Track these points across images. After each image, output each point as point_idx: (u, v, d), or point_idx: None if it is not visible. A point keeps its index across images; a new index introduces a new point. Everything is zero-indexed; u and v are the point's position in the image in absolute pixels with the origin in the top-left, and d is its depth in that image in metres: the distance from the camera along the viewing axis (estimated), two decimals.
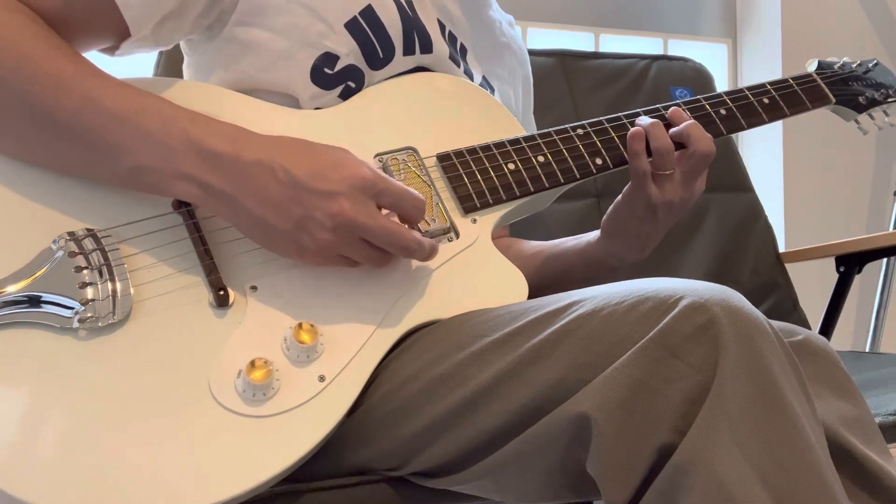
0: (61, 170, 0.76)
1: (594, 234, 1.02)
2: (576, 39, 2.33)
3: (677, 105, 0.97)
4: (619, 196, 0.96)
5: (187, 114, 0.75)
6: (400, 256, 0.78)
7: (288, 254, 0.76)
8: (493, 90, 1.04)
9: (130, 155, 0.73)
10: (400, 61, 0.94)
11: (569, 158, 0.93)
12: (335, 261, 0.76)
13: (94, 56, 0.85)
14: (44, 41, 0.75)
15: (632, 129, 0.92)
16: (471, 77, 1.00)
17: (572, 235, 1.15)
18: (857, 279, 1.57)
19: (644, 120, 0.93)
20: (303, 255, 0.75)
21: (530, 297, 0.83)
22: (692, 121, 0.93)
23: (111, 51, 0.85)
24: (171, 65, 1.31)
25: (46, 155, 0.76)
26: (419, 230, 0.83)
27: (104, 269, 0.73)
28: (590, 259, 1.01)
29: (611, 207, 0.98)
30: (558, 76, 1.68)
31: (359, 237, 0.74)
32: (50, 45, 0.75)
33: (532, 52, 1.17)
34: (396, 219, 0.79)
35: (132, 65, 0.92)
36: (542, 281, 1.02)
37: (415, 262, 0.82)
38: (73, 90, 0.73)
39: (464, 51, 1.02)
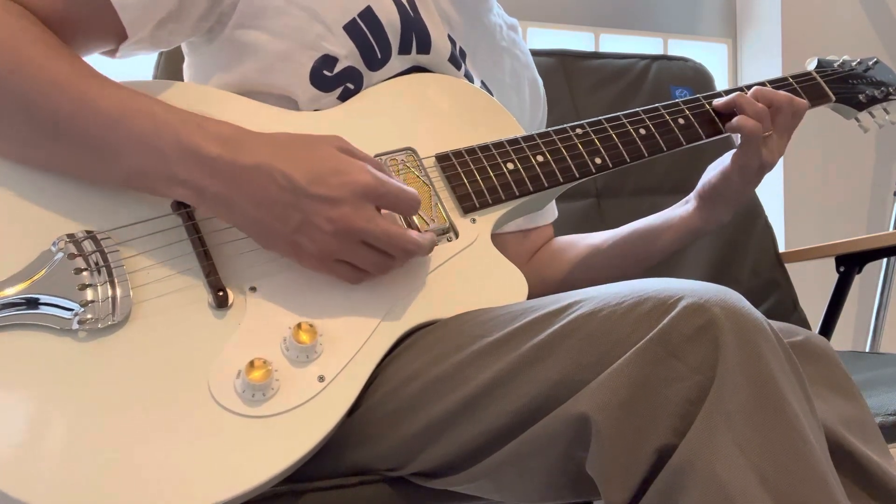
0: (60, 172, 0.76)
1: (686, 208, 1.05)
2: (576, 39, 2.33)
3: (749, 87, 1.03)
4: (725, 167, 1.00)
5: (179, 116, 0.74)
6: (401, 259, 0.78)
7: (287, 255, 0.76)
8: (491, 94, 1.03)
9: (125, 159, 0.73)
10: (396, 61, 0.94)
11: (568, 158, 0.93)
12: (335, 266, 0.76)
13: (95, 58, 0.85)
14: (42, 44, 0.75)
15: (737, 98, 0.98)
16: (471, 80, 1.00)
17: (572, 235, 1.15)
18: (857, 279, 1.57)
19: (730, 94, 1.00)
20: (301, 258, 0.75)
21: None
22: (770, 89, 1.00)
23: (112, 53, 0.85)
24: (171, 65, 1.32)
25: (44, 158, 0.76)
26: (417, 229, 0.84)
27: (104, 270, 0.73)
28: (684, 232, 1.05)
29: (713, 178, 1.02)
30: (558, 76, 1.68)
31: (359, 240, 0.75)
32: (48, 47, 0.75)
33: (532, 52, 1.17)
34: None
35: (132, 65, 0.92)
36: (637, 263, 1.08)
37: (413, 261, 0.82)
38: (68, 92, 0.73)
39: (463, 54, 1.01)
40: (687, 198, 1.06)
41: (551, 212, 1.18)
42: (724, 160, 1.01)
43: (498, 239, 0.91)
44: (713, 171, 1.02)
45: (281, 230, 0.73)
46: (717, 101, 1.01)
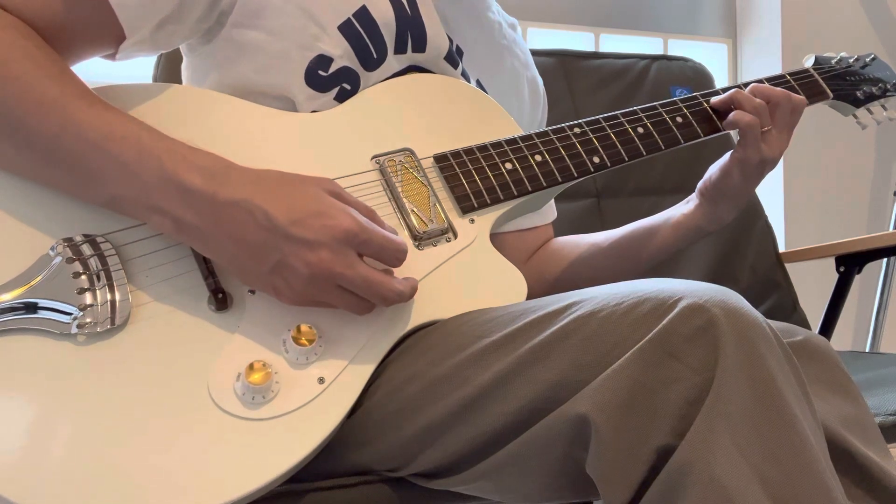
0: (48, 188, 0.76)
1: (688, 207, 1.05)
2: (576, 39, 2.33)
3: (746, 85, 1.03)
4: (724, 162, 1.00)
5: (165, 144, 0.73)
6: (381, 305, 0.77)
7: (266, 293, 0.75)
8: (486, 94, 1.03)
9: (107, 184, 0.72)
10: (393, 61, 0.93)
11: (566, 158, 0.93)
12: (314, 305, 0.75)
13: (96, 60, 0.85)
14: (32, 61, 0.74)
15: (734, 94, 0.98)
16: (467, 79, 1.00)
17: (572, 235, 1.15)
18: (857, 279, 1.57)
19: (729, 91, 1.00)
20: (279, 297, 0.74)
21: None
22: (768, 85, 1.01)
23: (111, 56, 0.85)
24: (171, 66, 1.32)
25: (31, 174, 0.75)
26: (416, 230, 0.84)
27: (102, 274, 0.73)
28: (685, 230, 1.05)
29: (714, 175, 1.02)
30: (558, 76, 1.68)
31: (336, 285, 0.73)
32: (38, 65, 0.74)
33: (532, 52, 1.17)
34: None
35: (131, 66, 0.92)
36: (638, 262, 1.07)
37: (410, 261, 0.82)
38: (54, 114, 0.72)
39: (460, 52, 1.01)
40: (689, 197, 1.06)
41: (550, 212, 1.17)
42: (725, 157, 1.01)
43: (497, 239, 0.91)
44: (714, 168, 1.02)
45: (257, 269, 0.72)
46: (714, 99, 1.01)
